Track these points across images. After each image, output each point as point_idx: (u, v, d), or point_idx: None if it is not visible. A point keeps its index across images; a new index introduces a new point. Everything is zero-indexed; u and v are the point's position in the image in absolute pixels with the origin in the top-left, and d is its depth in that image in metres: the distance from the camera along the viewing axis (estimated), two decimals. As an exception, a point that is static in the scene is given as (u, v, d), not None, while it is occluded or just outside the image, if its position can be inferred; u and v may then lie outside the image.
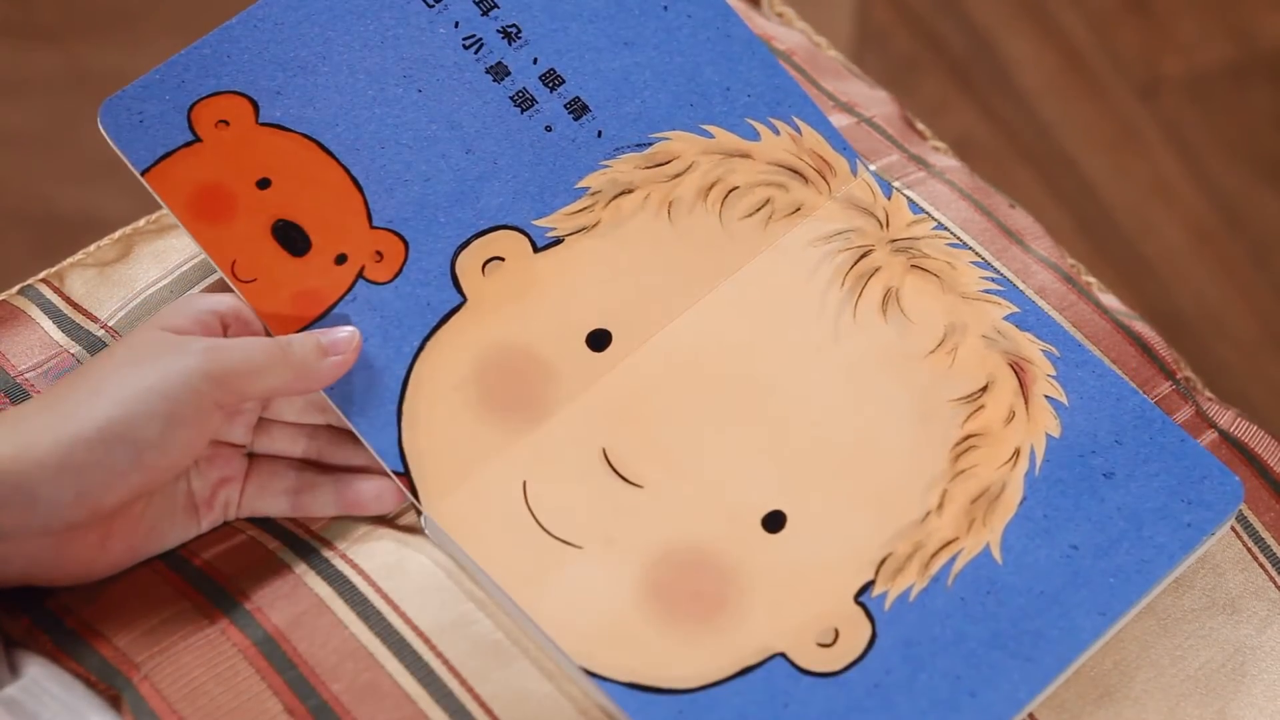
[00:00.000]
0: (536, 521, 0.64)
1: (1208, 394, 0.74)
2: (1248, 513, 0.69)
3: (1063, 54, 1.50)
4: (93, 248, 0.73)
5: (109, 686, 0.61)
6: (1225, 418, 0.71)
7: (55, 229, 1.30)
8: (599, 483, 0.65)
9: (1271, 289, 1.41)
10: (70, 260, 0.72)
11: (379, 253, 0.67)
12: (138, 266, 0.71)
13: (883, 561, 0.64)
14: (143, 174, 0.67)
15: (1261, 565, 0.68)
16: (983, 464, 0.65)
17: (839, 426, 0.66)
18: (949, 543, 0.64)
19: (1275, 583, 0.68)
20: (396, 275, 0.67)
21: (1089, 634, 0.62)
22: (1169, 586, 0.66)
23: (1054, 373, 0.67)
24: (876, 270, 0.69)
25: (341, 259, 0.67)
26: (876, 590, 0.63)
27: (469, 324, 0.67)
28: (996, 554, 0.64)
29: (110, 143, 0.67)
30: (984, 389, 0.67)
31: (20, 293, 0.72)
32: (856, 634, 0.62)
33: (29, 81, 1.37)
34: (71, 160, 1.31)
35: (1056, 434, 0.66)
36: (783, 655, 0.62)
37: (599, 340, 0.67)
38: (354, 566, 0.64)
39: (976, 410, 0.66)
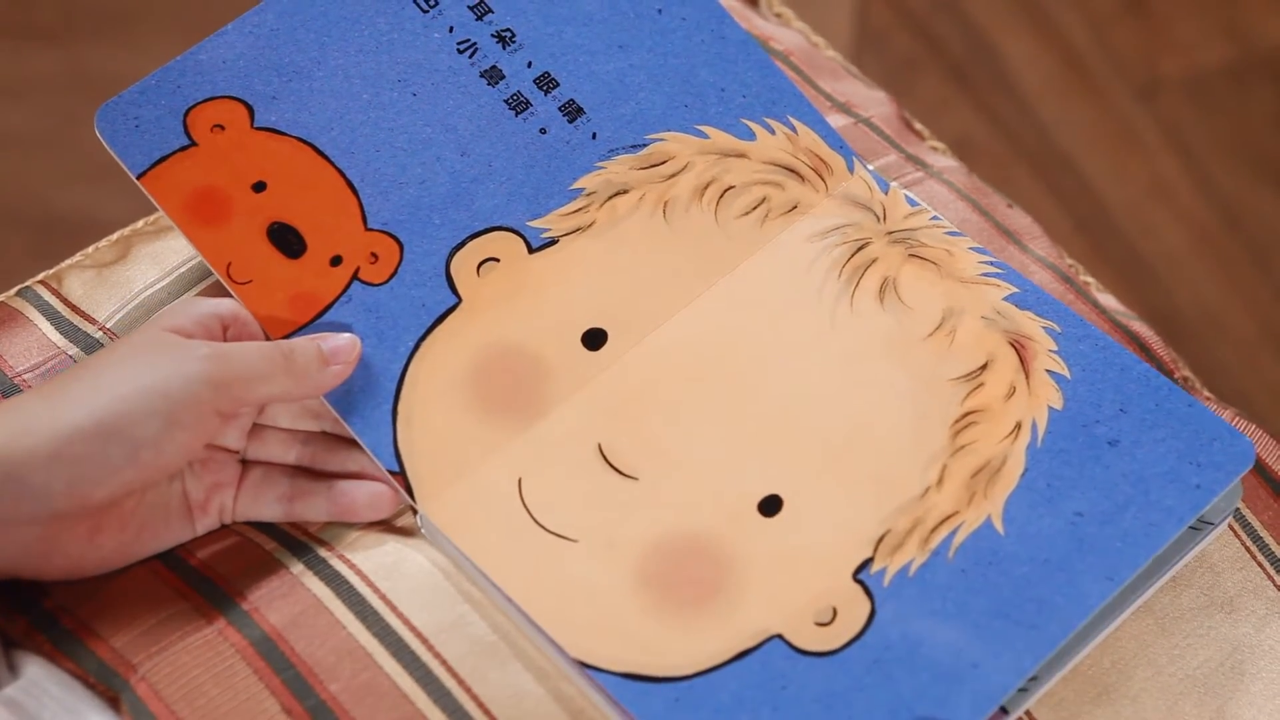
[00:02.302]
0: (531, 516, 0.64)
1: (1206, 394, 0.74)
2: (1246, 512, 0.69)
3: (1061, 54, 1.50)
4: (91, 249, 0.73)
5: (108, 688, 0.61)
6: (1224, 417, 0.71)
7: (54, 230, 1.30)
8: (594, 477, 0.64)
9: (1271, 289, 1.41)
10: (68, 262, 0.73)
11: (374, 254, 0.67)
12: (136, 268, 0.71)
13: (881, 538, 0.63)
14: (138, 178, 0.67)
15: (1260, 564, 0.68)
16: (983, 439, 0.65)
17: (836, 411, 0.66)
18: (949, 516, 0.63)
19: (1273, 581, 0.68)
20: (391, 277, 0.67)
21: (1095, 599, 0.61)
22: (1167, 585, 0.66)
23: (1055, 348, 0.67)
24: (874, 261, 0.69)
25: (336, 261, 0.67)
26: (875, 567, 0.62)
27: (464, 324, 0.67)
28: (998, 525, 0.63)
29: (106, 147, 0.67)
30: (983, 367, 0.66)
31: (18, 294, 0.72)
32: (855, 611, 0.62)
33: (29, 82, 1.37)
34: (71, 161, 1.31)
35: (1059, 406, 0.65)
36: (780, 637, 0.61)
37: (594, 339, 0.67)
38: (351, 566, 0.64)
39: (976, 388, 0.66)
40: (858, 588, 0.62)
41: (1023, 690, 0.62)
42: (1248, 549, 0.68)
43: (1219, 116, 1.48)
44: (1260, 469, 0.70)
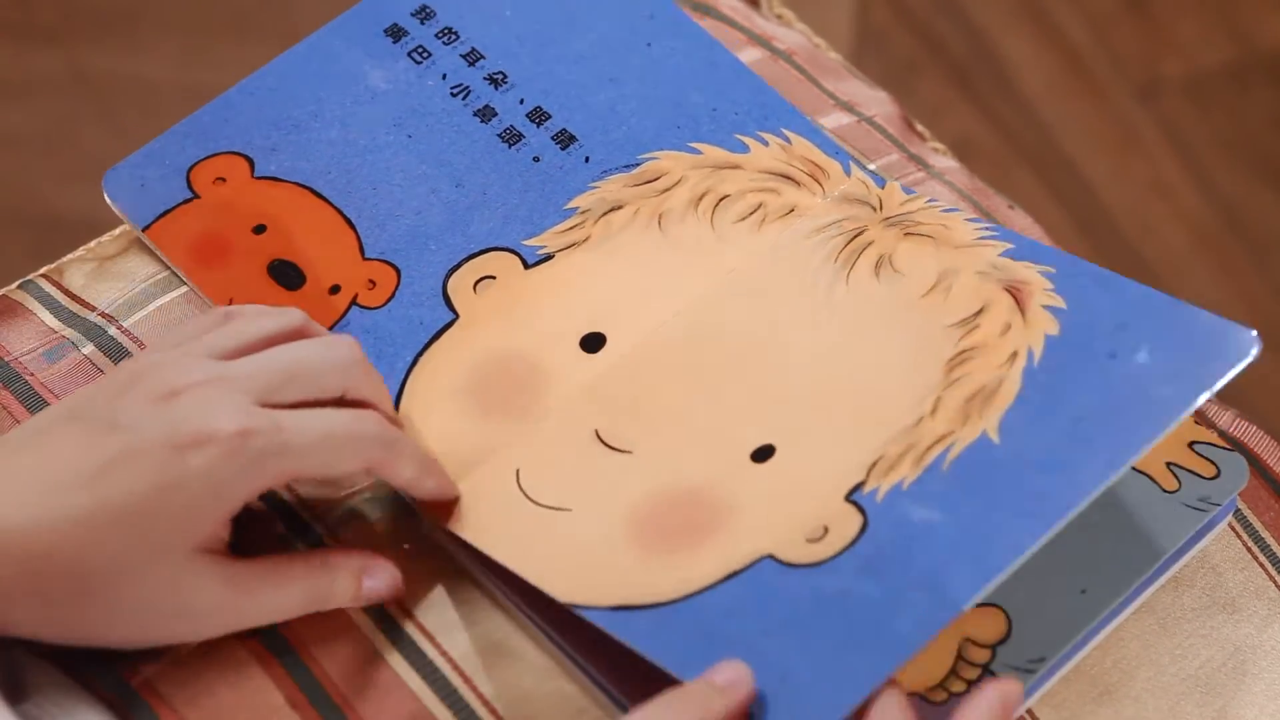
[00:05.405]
0: (526, 497, 0.64)
1: (1207, 394, 0.74)
2: (1247, 512, 0.69)
3: (1062, 55, 1.51)
4: (93, 244, 0.73)
5: (108, 692, 0.61)
6: (1225, 418, 0.72)
7: (54, 229, 1.30)
8: (590, 457, 0.64)
9: (1271, 289, 1.41)
10: (70, 256, 0.73)
11: (371, 281, 0.69)
12: (137, 261, 0.72)
13: (874, 464, 0.62)
14: (143, 231, 0.70)
15: (1261, 565, 0.68)
16: (978, 371, 0.63)
17: (830, 366, 0.65)
18: (943, 437, 0.62)
19: (1275, 582, 0.68)
20: (389, 300, 0.68)
21: (1093, 483, 0.59)
22: (1168, 585, 0.66)
23: (1052, 286, 0.65)
24: (870, 244, 0.68)
25: (335, 289, 0.68)
26: (868, 488, 0.61)
27: (462, 337, 0.67)
28: (994, 436, 0.61)
29: (113, 207, 0.71)
30: (979, 312, 0.65)
31: (19, 287, 0.72)
32: (847, 526, 0.60)
33: (29, 82, 1.37)
34: (71, 160, 1.31)
35: (1056, 333, 0.64)
36: (770, 556, 0.60)
37: (593, 343, 0.67)
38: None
39: (971, 330, 0.65)
40: (850, 506, 0.61)
41: (1028, 670, 0.62)
42: (1249, 549, 0.68)
43: (1219, 116, 1.48)
44: (1261, 470, 0.70)
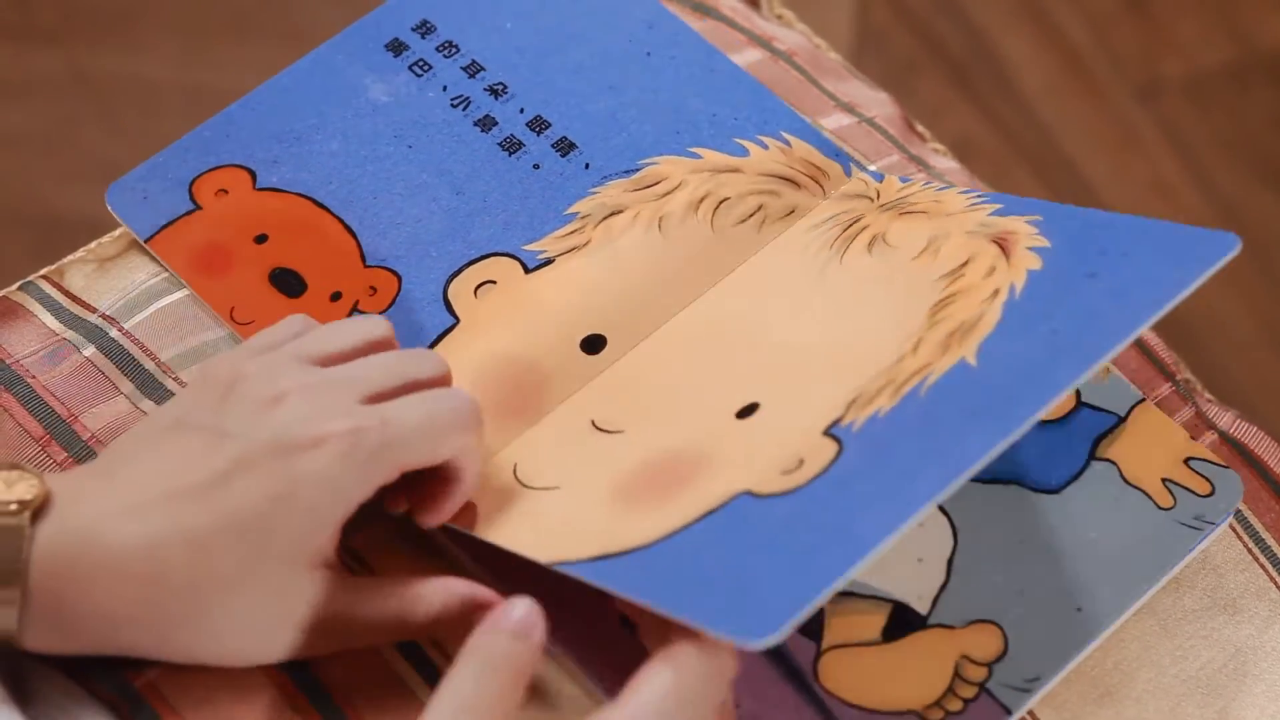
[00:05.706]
0: (521, 484, 0.64)
1: (1207, 395, 0.74)
2: (1248, 513, 0.69)
3: (1062, 55, 1.51)
4: (94, 245, 0.73)
5: (111, 694, 0.61)
6: (1225, 419, 0.72)
7: (55, 230, 1.30)
8: (584, 443, 0.65)
9: (1271, 289, 1.41)
10: (71, 257, 0.73)
11: (372, 288, 0.69)
12: (137, 261, 0.72)
13: (853, 401, 0.61)
14: (146, 241, 0.71)
15: (1262, 566, 0.68)
16: (960, 310, 0.63)
17: (819, 332, 0.65)
18: (921, 369, 0.61)
19: (1275, 583, 0.68)
20: (390, 305, 0.69)
21: (1067, 381, 0.58)
22: (1169, 586, 0.67)
23: (1037, 231, 0.65)
24: (865, 228, 0.69)
25: (336, 296, 0.69)
26: (845, 422, 0.60)
27: (463, 342, 0.68)
28: (972, 360, 0.60)
29: (116, 218, 0.71)
30: (965, 263, 0.65)
31: (20, 289, 0.72)
32: (822, 455, 0.59)
33: (29, 82, 1.37)
34: (71, 161, 1.31)
35: (1038, 268, 0.63)
36: (746, 492, 0.60)
37: (593, 345, 0.68)
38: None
39: (957, 278, 0.65)
40: (827, 439, 0.60)
41: (1024, 690, 0.62)
42: (1250, 551, 0.68)
43: (1219, 116, 1.48)
44: (1261, 470, 0.70)
